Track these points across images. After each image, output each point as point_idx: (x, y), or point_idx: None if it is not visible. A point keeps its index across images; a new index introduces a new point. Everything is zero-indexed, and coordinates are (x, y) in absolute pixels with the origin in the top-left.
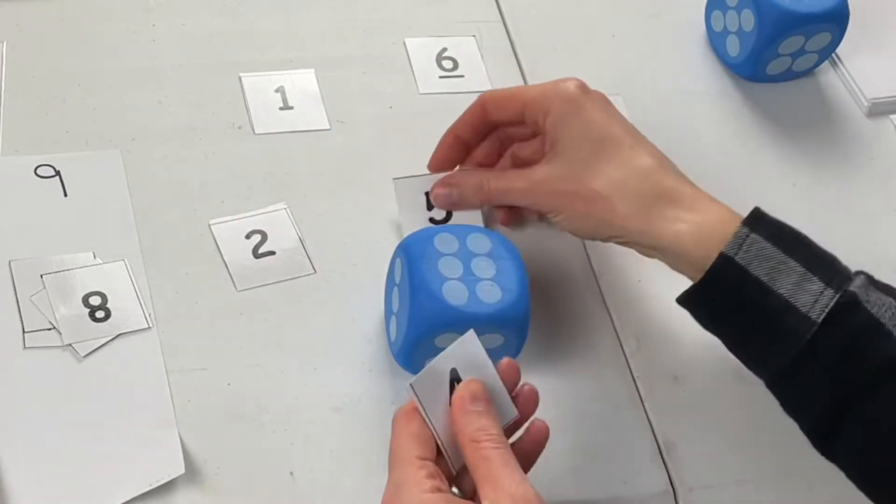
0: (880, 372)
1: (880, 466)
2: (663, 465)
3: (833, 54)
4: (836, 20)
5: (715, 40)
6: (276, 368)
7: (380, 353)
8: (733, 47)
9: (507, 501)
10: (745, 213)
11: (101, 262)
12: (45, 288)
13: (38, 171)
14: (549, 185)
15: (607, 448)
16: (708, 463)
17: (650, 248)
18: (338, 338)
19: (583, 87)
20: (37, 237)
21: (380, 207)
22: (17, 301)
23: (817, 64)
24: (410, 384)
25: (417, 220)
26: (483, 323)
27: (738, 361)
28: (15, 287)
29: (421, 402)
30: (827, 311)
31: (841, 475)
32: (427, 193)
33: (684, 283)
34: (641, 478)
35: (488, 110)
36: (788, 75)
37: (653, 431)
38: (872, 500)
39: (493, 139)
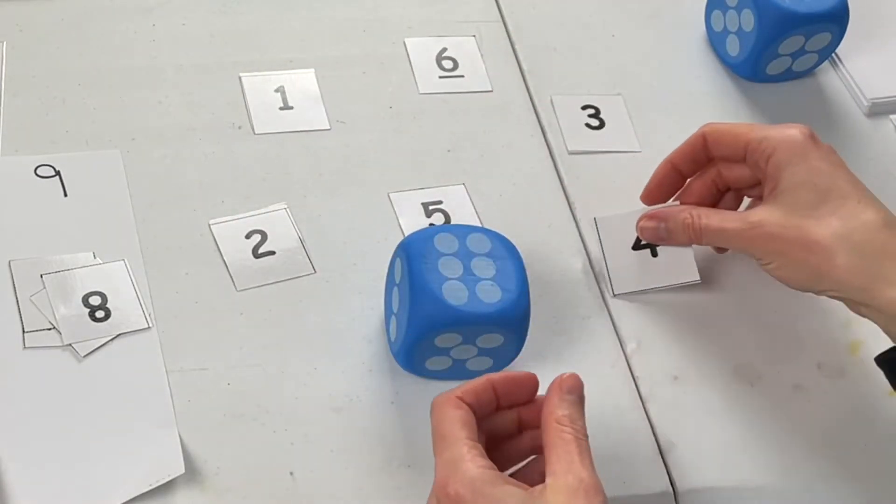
0: None
1: None
2: (663, 465)
3: (833, 54)
4: (836, 20)
5: (715, 40)
6: (276, 368)
7: (380, 353)
8: (733, 47)
9: (576, 483)
10: None
11: (100, 261)
12: (44, 288)
13: (37, 171)
14: (766, 229)
15: (607, 448)
16: (708, 463)
17: (865, 307)
18: (338, 338)
19: (811, 135)
20: (37, 237)
21: (380, 207)
22: (17, 301)
23: (817, 64)
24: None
25: (624, 257)
26: (483, 323)
27: (738, 361)
28: (15, 287)
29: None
30: None
31: (840, 477)
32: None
33: (690, 288)
34: (641, 478)
35: (709, 142)
36: (788, 75)
37: (653, 431)
38: None
39: (709, 175)
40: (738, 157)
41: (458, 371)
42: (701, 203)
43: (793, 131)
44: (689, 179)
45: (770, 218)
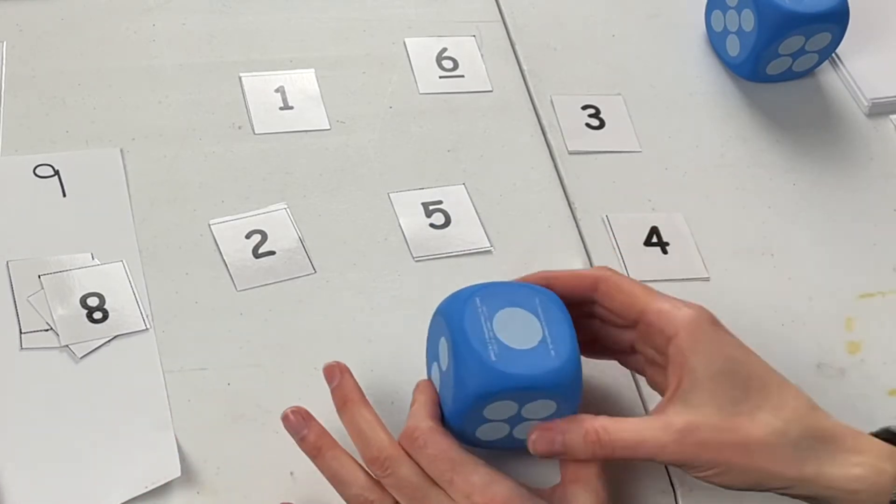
0: None
1: None
2: (663, 465)
3: (833, 54)
4: (836, 20)
5: (715, 40)
6: (276, 368)
7: (380, 353)
8: (733, 47)
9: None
10: None
11: (99, 262)
12: (42, 288)
13: (36, 171)
14: (697, 436)
15: None
16: None
17: (815, 498)
18: (338, 338)
19: (713, 319)
20: (35, 237)
21: (380, 207)
22: (15, 301)
23: (817, 64)
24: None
25: (636, 253)
26: (532, 388)
27: None
28: (13, 287)
29: None
30: None
31: None
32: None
33: (690, 288)
34: (641, 478)
35: (599, 293)
36: (788, 75)
37: None
38: None
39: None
40: (626, 320)
41: (511, 441)
42: None
43: (694, 312)
44: None
45: (697, 421)
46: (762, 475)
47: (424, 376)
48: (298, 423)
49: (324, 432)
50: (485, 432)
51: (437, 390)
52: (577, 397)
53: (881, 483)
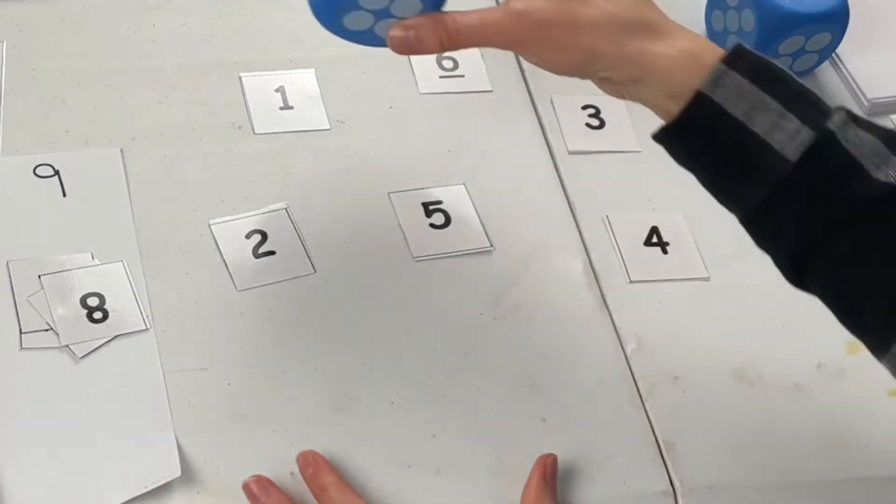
0: (854, 211)
1: (853, 298)
2: (663, 465)
3: (833, 54)
4: (836, 20)
5: (715, 40)
6: (276, 368)
7: (380, 353)
8: None
9: None
10: None
11: (99, 262)
12: (42, 288)
13: (36, 171)
14: (530, 17)
15: (607, 448)
16: (708, 463)
17: (632, 82)
18: (337, 338)
19: None
20: (35, 237)
21: (380, 207)
22: (15, 301)
23: (817, 64)
24: None
25: (636, 251)
26: None
27: (738, 361)
28: (13, 287)
29: None
30: (803, 150)
31: (840, 477)
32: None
33: (690, 288)
34: (641, 478)
35: None
36: None
37: (653, 431)
38: (848, 328)
39: None
40: None
41: (372, 37)
42: None
43: None
44: None
45: (534, 4)
46: (586, 54)
47: (427, 376)
48: (259, 492)
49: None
50: (352, 20)
51: None
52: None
53: (691, 70)
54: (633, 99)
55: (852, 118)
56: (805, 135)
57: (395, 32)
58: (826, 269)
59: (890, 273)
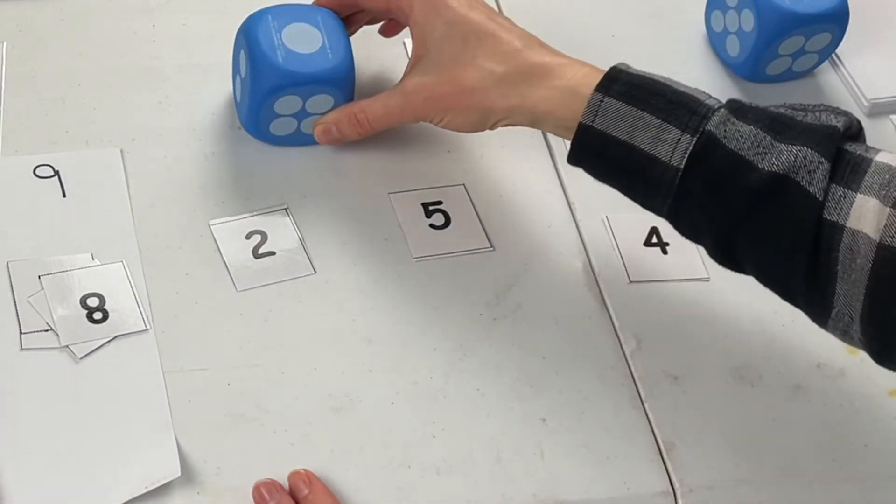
0: (747, 204)
1: (776, 281)
2: (663, 465)
3: (833, 54)
4: (836, 20)
5: (715, 40)
6: (276, 368)
7: (380, 353)
8: (733, 47)
9: None
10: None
11: (99, 263)
12: (42, 289)
13: (36, 172)
14: (423, 93)
15: (607, 448)
16: (708, 463)
17: (530, 124)
18: (338, 338)
19: None
20: (35, 238)
21: (380, 207)
22: (15, 302)
23: (817, 64)
24: None
25: (636, 251)
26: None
27: (738, 361)
28: (13, 288)
29: None
30: (687, 155)
31: (840, 477)
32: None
33: (690, 288)
34: (641, 478)
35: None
36: (788, 75)
37: (653, 431)
38: (783, 298)
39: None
40: (380, 10)
41: (300, 136)
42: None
43: None
44: None
45: (424, 81)
46: (481, 112)
47: (427, 377)
48: (269, 495)
49: None
50: (277, 127)
51: (238, 100)
52: (351, 92)
53: (574, 105)
54: (550, 132)
55: (735, 112)
56: (686, 141)
57: (319, 130)
58: (746, 256)
59: (789, 258)
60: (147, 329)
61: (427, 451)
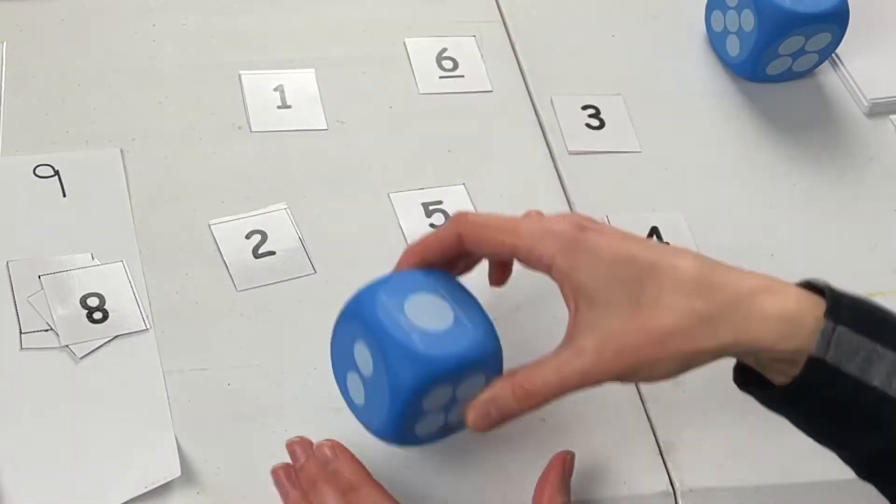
0: None
1: None
2: (663, 466)
3: (833, 54)
4: (836, 20)
5: (715, 40)
6: (276, 368)
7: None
8: (733, 47)
9: None
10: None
11: (99, 262)
12: (42, 289)
13: (36, 171)
14: (611, 348)
15: (607, 448)
16: (708, 463)
17: (739, 356)
18: None
19: (581, 226)
20: (35, 238)
21: (380, 207)
22: (15, 302)
23: (817, 64)
24: None
25: None
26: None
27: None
28: (13, 288)
29: None
30: None
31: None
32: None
33: None
34: (641, 478)
35: (468, 246)
36: (788, 75)
37: (653, 431)
38: None
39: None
40: (504, 257)
41: (446, 430)
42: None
43: (560, 230)
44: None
45: (604, 336)
46: (685, 358)
47: None
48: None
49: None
50: (423, 427)
51: (362, 403)
52: (501, 365)
53: (796, 335)
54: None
55: None
56: None
57: (475, 416)
58: None
59: None
60: (147, 329)
61: (427, 451)
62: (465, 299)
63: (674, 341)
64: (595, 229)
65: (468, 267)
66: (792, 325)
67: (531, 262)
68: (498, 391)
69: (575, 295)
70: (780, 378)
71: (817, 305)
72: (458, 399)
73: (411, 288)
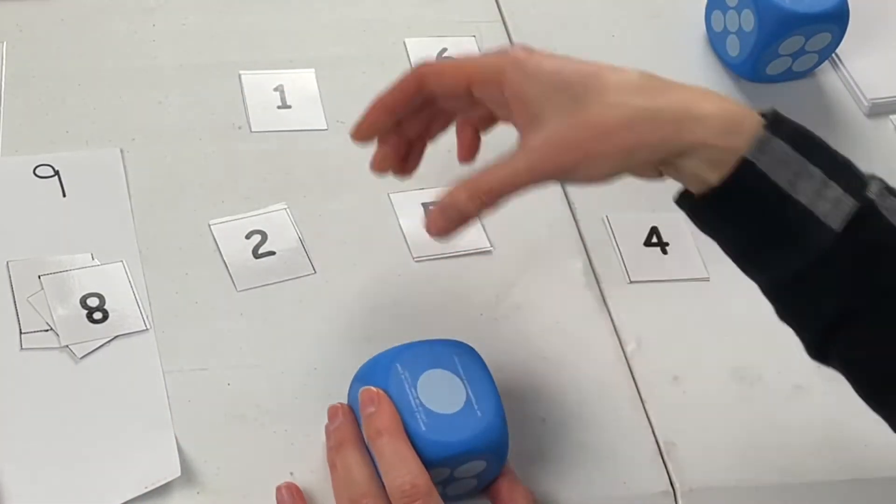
0: (892, 281)
1: (886, 373)
2: (663, 465)
3: (833, 54)
4: (836, 20)
5: (715, 40)
6: (276, 368)
7: (380, 352)
8: (733, 47)
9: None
10: None
11: (99, 262)
12: (42, 289)
13: (36, 172)
14: (555, 145)
15: (607, 448)
16: (708, 463)
17: (674, 159)
18: (338, 338)
19: (526, 48)
20: (35, 238)
21: (380, 207)
22: (15, 302)
23: (817, 64)
24: None
25: (636, 251)
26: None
27: (738, 361)
28: (13, 288)
29: None
30: (847, 219)
31: (840, 477)
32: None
33: (690, 289)
34: (641, 478)
35: (427, 84)
36: (788, 75)
37: (653, 431)
38: (871, 405)
39: (424, 115)
40: (462, 93)
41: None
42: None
43: (509, 50)
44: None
45: (552, 133)
46: (625, 153)
47: None
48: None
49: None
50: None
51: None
52: (505, 453)
53: (735, 134)
54: (669, 175)
55: (887, 187)
56: (847, 203)
57: (434, 217)
58: (861, 341)
59: None
60: (147, 329)
61: None
62: (482, 381)
63: (618, 135)
64: (542, 52)
65: (439, 124)
66: (732, 123)
67: (485, 84)
68: (454, 196)
69: (523, 105)
70: (714, 179)
71: (758, 118)
72: (455, 478)
73: (429, 363)
